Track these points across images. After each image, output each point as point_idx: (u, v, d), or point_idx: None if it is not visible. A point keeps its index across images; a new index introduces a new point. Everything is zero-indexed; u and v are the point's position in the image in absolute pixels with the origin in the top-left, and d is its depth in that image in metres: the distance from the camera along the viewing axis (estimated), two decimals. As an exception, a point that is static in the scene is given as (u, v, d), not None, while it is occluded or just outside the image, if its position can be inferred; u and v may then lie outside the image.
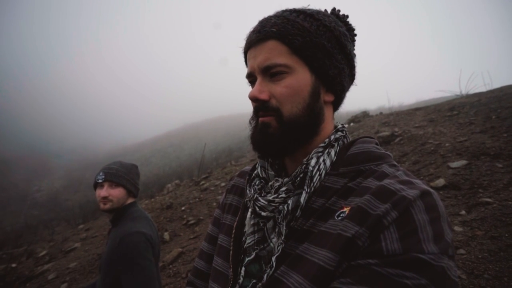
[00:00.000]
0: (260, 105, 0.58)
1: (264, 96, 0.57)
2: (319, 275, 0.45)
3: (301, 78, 0.57)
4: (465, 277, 1.45)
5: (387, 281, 0.40)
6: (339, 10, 0.65)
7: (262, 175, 0.65)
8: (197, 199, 4.87)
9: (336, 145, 0.61)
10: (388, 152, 0.59)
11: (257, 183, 0.65)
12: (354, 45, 0.65)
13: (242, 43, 0.64)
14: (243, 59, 0.67)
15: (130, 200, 1.65)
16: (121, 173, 1.61)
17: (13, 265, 4.08)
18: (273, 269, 0.52)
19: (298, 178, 0.57)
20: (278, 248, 0.54)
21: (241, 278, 0.59)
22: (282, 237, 0.54)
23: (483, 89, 6.32)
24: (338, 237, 0.46)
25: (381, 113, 7.61)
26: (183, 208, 4.63)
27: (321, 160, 0.58)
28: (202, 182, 5.82)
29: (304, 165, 0.57)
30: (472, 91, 6.53)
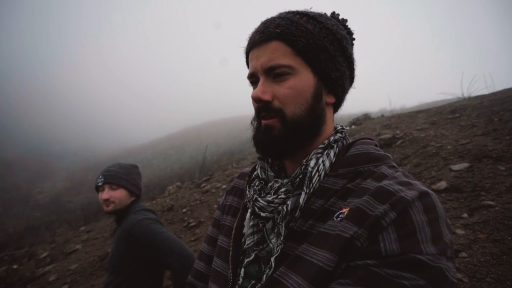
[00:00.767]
0: (262, 106, 0.58)
1: (267, 96, 0.57)
2: (318, 275, 0.45)
3: (304, 80, 0.57)
4: (467, 280, 1.44)
5: (385, 282, 0.40)
6: (338, 14, 0.66)
7: (261, 176, 0.65)
8: (198, 201, 4.87)
9: (335, 146, 0.61)
10: (387, 154, 0.59)
11: (256, 184, 0.65)
12: (353, 49, 0.66)
13: (244, 43, 0.64)
14: (244, 61, 0.68)
15: (132, 199, 1.68)
16: (120, 174, 1.62)
17: (15, 266, 4.09)
18: (272, 269, 0.52)
19: (298, 179, 0.57)
20: (277, 249, 0.54)
21: (241, 279, 0.59)
22: (281, 238, 0.54)
23: (485, 91, 6.31)
24: (337, 238, 0.46)
25: (382, 115, 7.60)
26: (184, 210, 4.63)
27: (320, 161, 0.58)
28: (203, 184, 5.82)
29: (304, 166, 0.58)
30: (474, 94, 6.51)
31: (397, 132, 4.47)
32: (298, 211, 0.54)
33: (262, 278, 0.53)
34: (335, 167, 0.58)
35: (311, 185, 0.55)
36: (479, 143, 3.09)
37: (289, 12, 0.61)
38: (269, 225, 0.59)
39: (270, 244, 0.57)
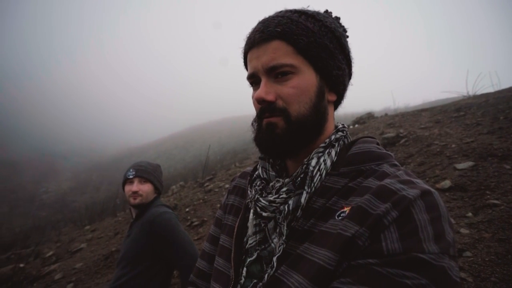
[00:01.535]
0: (266, 107, 0.57)
1: (271, 97, 0.57)
2: (319, 274, 0.45)
3: (307, 78, 0.57)
4: (472, 280, 1.42)
5: (387, 281, 0.39)
6: (331, 12, 0.66)
7: (263, 175, 0.65)
8: (201, 201, 4.88)
9: (336, 145, 0.61)
10: (389, 152, 0.58)
11: (258, 183, 0.65)
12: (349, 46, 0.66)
13: (242, 44, 0.64)
14: (242, 61, 0.67)
15: (154, 196, 1.75)
16: (150, 170, 1.71)
17: (21, 265, 4.14)
18: (274, 269, 0.52)
19: (299, 179, 0.57)
20: (279, 249, 0.54)
21: (243, 278, 0.59)
22: (283, 237, 0.54)
23: (490, 89, 6.23)
24: (338, 236, 0.46)
25: (386, 114, 7.55)
26: (187, 209, 4.64)
27: (321, 160, 0.58)
28: (207, 183, 5.83)
29: (305, 165, 0.58)
30: (479, 92, 6.43)
31: (401, 131, 4.44)
32: (299, 210, 0.54)
33: (264, 277, 0.54)
34: (336, 166, 0.57)
35: (312, 184, 0.55)
36: (484, 142, 3.06)
37: (287, 11, 0.61)
38: (271, 224, 0.59)
39: (272, 244, 0.57)
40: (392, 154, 0.59)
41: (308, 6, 0.63)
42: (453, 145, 3.25)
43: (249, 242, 0.61)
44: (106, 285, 1.72)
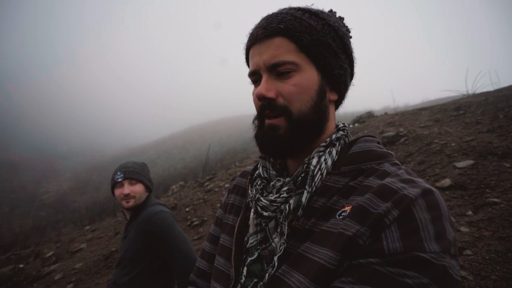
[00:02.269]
0: (266, 104, 0.57)
1: (271, 94, 0.56)
2: (320, 274, 0.45)
3: (308, 77, 0.56)
4: (472, 278, 1.43)
5: (388, 280, 0.39)
6: (335, 12, 0.66)
7: (263, 175, 0.65)
8: (201, 200, 4.88)
9: (337, 144, 0.60)
10: (389, 151, 0.58)
11: (258, 183, 0.65)
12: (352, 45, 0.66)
13: (245, 41, 0.63)
14: (244, 58, 0.66)
15: (146, 194, 1.71)
16: (138, 170, 1.66)
17: (21, 265, 4.14)
18: (275, 268, 0.52)
19: (300, 178, 0.57)
20: (280, 248, 0.54)
21: (243, 278, 0.59)
22: (284, 237, 0.54)
23: (490, 88, 6.23)
24: (339, 236, 0.46)
25: (386, 113, 7.55)
26: (187, 209, 4.64)
27: (322, 159, 0.57)
28: (207, 183, 5.83)
29: (306, 165, 0.57)
30: (479, 91, 6.43)
31: (401, 129, 4.44)
32: (300, 210, 0.54)
33: (265, 276, 0.53)
34: (337, 165, 0.57)
35: (313, 183, 0.55)
36: (484, 140, 3.06)
37: (291, 8, 0.61)
38: (271, 224, 0.59)
39: (273, 243, 0.57)
40: (392, 153, 0.58)
41: (312, 5, 0.63)
42: (453, 144, 3.25)
43: (250, 241, 0.61)
44: (107, 286, 1.71)
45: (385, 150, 0.58)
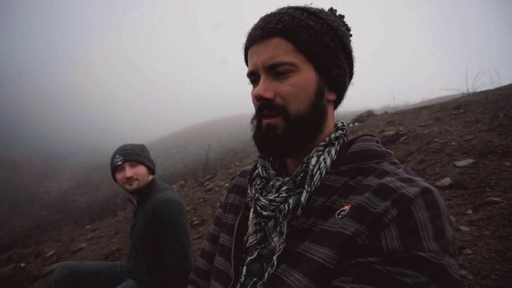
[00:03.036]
0: (264, 104, 0.57)
1: (269, 94, 0.56)
2: (320, 273, 0.45)
3: (306, 77, 0.56)
4: (472, 277, 1.43)
5: (387, 279, 0.39)
6: (336, 10, 0.65)
7: (263, 174, 0.65)
8: (201, 200, 4.88)
9: (336, 144, 0.60)
10: (389, 150, 0.58)
11: (258, 182, 0.65)
12: (351, 45, 0.66)
13: (243, 41, 0.63)
14: (243, 58, 0.66)
15: (150, 177, 1.66)
16: (137, 151, 1.60)
17: (22, 264, 4.15)
18: (274, 268, 0.52)
19: (299, 177, 0.57)
20: (280, 247, 0.54)
21: (243, 277, 0.59)
22: (284, 236, 0.54)
23: (490, 87, 6.22)
24: (338, 235, 0.46)
25: (386, 112, 7.54)
26: (187, 208, 4.64)
27: (321, 159, 0.57)
28: (207, 182, 5.83)
29: (305, 164, 0.57)
30: (479, 89, 6.42)
31: (401, 128, 4.44)
32: (300, 209, 0.54)
33: (264, 276, 0.53)
34: (336, 165, 0.57)
35: (312, 183, 0.55)
36: (484, 139, 3.05)
37: (289, 8, 0.60)
38: (271, 223, 0.59)
39: (272, 243, 0.57)
40: (391, 152, 0.58)
41: (311, 4, 0.63)
42: (453, 143, 3.25)
43: (249, 241, 0.61)
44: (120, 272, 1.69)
45: (384, 149, 0.58)
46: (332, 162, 0.58)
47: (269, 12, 0.61)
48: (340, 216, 0.49)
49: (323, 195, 0.54)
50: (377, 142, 0.60)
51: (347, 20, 0.65)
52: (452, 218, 1.93)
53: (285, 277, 0.49)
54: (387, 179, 0.49)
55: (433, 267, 0.39)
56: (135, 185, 1.54)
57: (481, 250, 1.59)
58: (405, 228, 0.42)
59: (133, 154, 1.57)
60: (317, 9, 0.61)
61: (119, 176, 1.56)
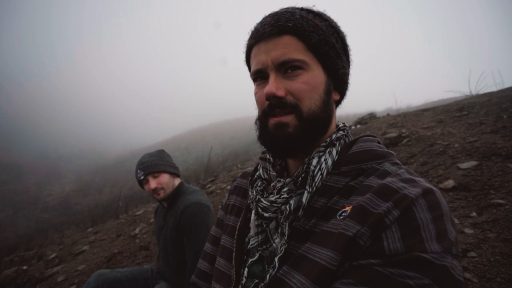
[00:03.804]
0: (276, 103, 0.56)
1: (281, 92, 0.55)
2: (321, 274, 0.45)
3: (316, 75, 0.56)
4: (477, 280, 1.41)
5: (389, 281, 0.39)
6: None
7: (264, 176, 0.65)
8: (203, 202, 4.87)
9: (337, 144, 0.60)
10: (390, 151, 0.58)
11: (259, 184, 0.65)
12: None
13: (246, 40, 0.62)
14: (245, 56, 0.65)
15: (177, 181, 1.72)
16: (155, 161, 1.65)
17: (24, 267, 4.16)
18: (276, 269, 0.52)
19: (300, 178, 0.57)
20: (281, 249, 0.53)
21: (244, 279, 0.59)
22: (285, 238, 0.54)
23: (493, 88, 6.18)
24: (339, 236, 0.46)
25: (388, 114, 7.51)
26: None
27: (322, 159, 0.57)
28: (209, 185, 5.83)
29: (306, 165, 0.57)
30: (482, 91, 6.39)
31: (403, 130, 4.42)
32: (301, 210, 0.54)
33: (266, 277, 0.53)
34: (337, 165, 0.57)
35: (313, 184, 0.55)
36: (487, 141, 3.03)
37: (295, 8, 0.60)
38: (272, 225, 0.58)
39: (274, 244, 0.57)
40: (393, 152, 0.58)
41: (314, 6, 0.63)
42: (456, 145, 3.23)
43: (251, 242, 0.61)
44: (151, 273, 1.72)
45: (386, 149, 0.58)
46: (333, 162, 0.58)
47: (276, 10, 0.60)
48: (341, 217, 0.48)
49: (324, 196, 0.54)
50: (379, 142, 0.60)
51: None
52: (456, 220, 1.91)
53: (286, 278, 0.49)
54: (388, 179, 0.48)
55: (436, 269, 0.38)
56: (162, 194, 1.61)
57: (486, 253, 1.57)
58: (407, 229, 0.41)
59: (152, 166, 1.62)
60: (319, 11, 0.62)
61: (146, 188, 1.64)
